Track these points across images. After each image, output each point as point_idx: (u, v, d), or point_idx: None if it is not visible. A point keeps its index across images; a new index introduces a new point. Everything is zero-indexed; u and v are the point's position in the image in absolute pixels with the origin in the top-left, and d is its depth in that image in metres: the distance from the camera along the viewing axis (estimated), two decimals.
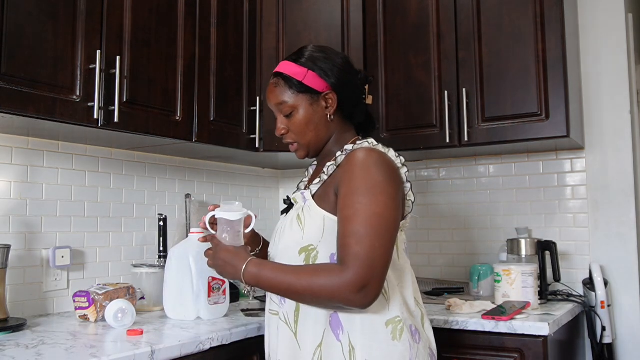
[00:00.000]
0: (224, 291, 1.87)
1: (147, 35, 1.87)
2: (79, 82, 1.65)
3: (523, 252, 2.20)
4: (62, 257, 1.94)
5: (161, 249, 2.20)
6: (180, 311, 1.81)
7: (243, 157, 2.52)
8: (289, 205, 1.46)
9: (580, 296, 2.22)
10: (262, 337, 1.51)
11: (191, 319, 1.79)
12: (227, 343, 1.61)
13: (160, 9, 1.93)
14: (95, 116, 1.67)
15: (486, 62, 2.23)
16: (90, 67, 1.67)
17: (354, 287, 1.19)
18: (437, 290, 2.35)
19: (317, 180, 1.41)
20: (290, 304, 1.35)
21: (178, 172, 2.46)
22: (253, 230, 1.53)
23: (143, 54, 1.86)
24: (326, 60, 1.42)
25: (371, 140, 1.41)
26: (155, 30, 1.91)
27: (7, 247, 1.68)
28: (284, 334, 1.36)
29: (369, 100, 1.51)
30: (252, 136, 2.28)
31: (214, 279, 1.82)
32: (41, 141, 1.95)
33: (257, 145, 2.29)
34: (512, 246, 2.24)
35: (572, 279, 2.35)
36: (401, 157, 1.39)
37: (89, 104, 1.67)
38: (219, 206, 1.44)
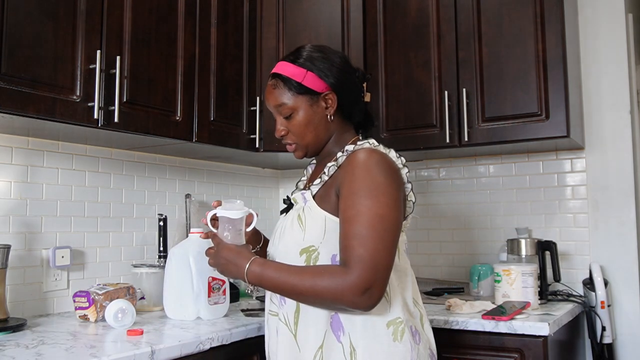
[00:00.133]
0: (224, 291, 1.87)
1: (147, 35, 1.87)
2: (79, 82, 1.65)
3: (523, 252, 2.20)
4: (62, 257, 1.94)
5: (161, 249, 2.20)
6: (180, 311, 1.81)
7: (243, 157, 2.52)
8: (289, 205, 1.46)
9: (580, 296, 2.22)
10: (262, 337, 1.51)
11: (191, 319, 1.79)
12: (227, 343, 1.61)
13: (160, 9, 1.93)
14: (95, 116, 1.67)
15: (486, 62, 2.23)
16: (90, 67, 1.67)
17: (357, 289, 1.19)
18: (437, 290, 2.35)
19: (318, 180, 1.40)
20: (290, 305, 1.34)
21: (178, 172, 2.46)
22: (254, 228, 1.53)
23: (143, 54, 1.86)
24: (324, 60, 1.41)
25: (372, 140, 1.40)
26: (155, 30, 1.90)
27: (7, 247, 1.68)
28: (284, 336, 1.35)
29: (368, 98, 1.51)
30: (252, 136, 2.28)
31: (214, 279, 1.82)
32: (41, 141, 1.95)
33: (257, 145, 2.29)
34: (512, 246, 2.24)
35: (572, 279, 2.35)
36: (402, 158, 1.39)
37: (89, 104, 1.67)
38: (222, 202, 1.44)
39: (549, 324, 1.72)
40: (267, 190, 2.99)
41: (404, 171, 1.37)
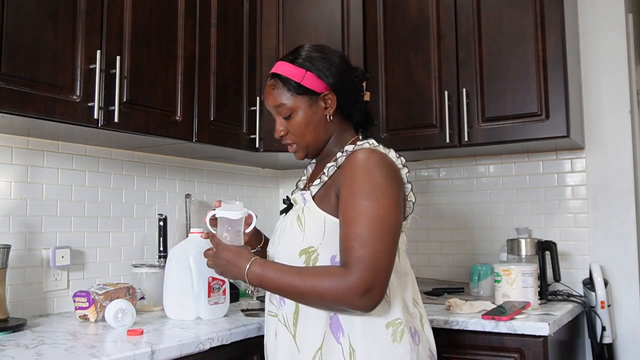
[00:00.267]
0: (224, 291, 1.87)
1: (147, 35, 1.87)
2: (79, 82, 1.65)
3: (523, 252, 2.20)
4: (62, 257, 1.94)
5: (161, 249, 2.20)
6: (180, 311, 1.81)
7: (243, 157, 2.52)
8: (289, 205, 1.46)
9: (580, 296, 2.22)
10: (262, 337, 1.51)
11: (191, 319, 1.79)
12: (227, 343, 1.61)
13: (160, 9, 1.93)
14: (95, 116, 1.67)
15: (486, 62, 2.23)
16: (90, 67, 1.67)
17: (358, 290, 1.19)
18: (437, 290, 2.35)
19: (318, 181, 1.40)
20: (289, 306, 1.34)
21: (178, 172, 2.46)
22: (255, 228, 1.53)
23: (143, 54, 1.86)
24: (324, 60, 1.40)
25: (372, 140, 1.39)
26: (155, 30, 1.90)
27: (7, 247, 1.68)
28: (283, 337, 1.35)
29: (367, 97, 1.50)
30: (252, 136, 2.28)
31: (214, 279, 1.82)
32: (41, 141, 1.95)
33: (257, 145, 2.29)
34: (512, 246, 2.24)
35: (572, 279, 2.35)
36: (402, 158, 1.38)
37: (89, 104, 1.67)
38: (221, 203, 1.44)
39: (549, 324, 1.72)
40: (267, 190, 2.99)
41: (404, 171, 1.36)
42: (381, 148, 1.36)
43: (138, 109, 1.83)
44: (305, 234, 1.34)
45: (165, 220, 2.24)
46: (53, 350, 1.38)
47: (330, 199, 1.34)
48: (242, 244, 1.41)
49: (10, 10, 1.49)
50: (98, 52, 1.69)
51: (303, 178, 1.58)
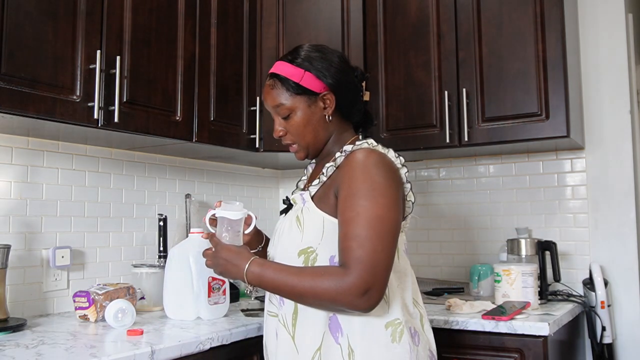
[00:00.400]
0: (224, 291, 1.87)
1: (147, 35, 1.87)
2: (79, 82, 1.65)
3: (523, 252, 2.20)
4: (62, 257, 1.94)
5: (161, 249, 2.20)
6: (180, 311, 1.81)
7: (243, 157, 2.52)
8: (288, 205, 1.46)
9: (580, 296, 2.22)
10: (262, 337, 1.51)
11: (191, 319, 1.79)
12: (227, 343, 1.61)
13: (160, 9, 1.93)
14: (95, 116, 1.67)
15: (486, 62, 2.23)
16: (90, 67, 1.67)
17: (357, 290, 1.18)
18: (437, 290, 2.35)
19: (317, 181, 1.40)
20: (288, 307, 1.34)
21: (178, 172, 2.46)
22: (255, 228, 1.53)
23: (143, 54, 1.86)
24: (322, 60, 1.40)
25: (371, 140, 1.39)
26: (155, 30, 1.90)
27: (7, 247, 1.68)
28: (282, 337, 1.35)
29: (367, 97, 1.50)
30: (252, 136, 2.28)
31: (214, 279, 1.82)
32: (41, 141, 1.95)
33: (257, 145, 2.29)
34: (512, 246, 2.24)
35: (572, 279, 2.35)
36: (401, 158, 1.38)
37: (89, 104, 1.67)
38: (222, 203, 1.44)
39: (549, 324, 1.72)
40: (267, 190, 2.99)
41: (403, 171, 1.36)
42: (380, 148, 1.36)
43: (138, 109, 1.83)
44: (304, 235, 1.33)
45: (165, 220, 2.24)
46: (53, 350, 1.38)
47: (329, 199, 1.33)
48: (242, 244, 1.41)
49: (10, 10, 1.49)
50: (98, 52, 1.69)
51: (303, 178, 1.58)
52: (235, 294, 2.21)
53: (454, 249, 2.64)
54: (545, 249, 2.16)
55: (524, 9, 2.17)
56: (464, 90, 2.24)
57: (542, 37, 2.13)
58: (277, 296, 1.36)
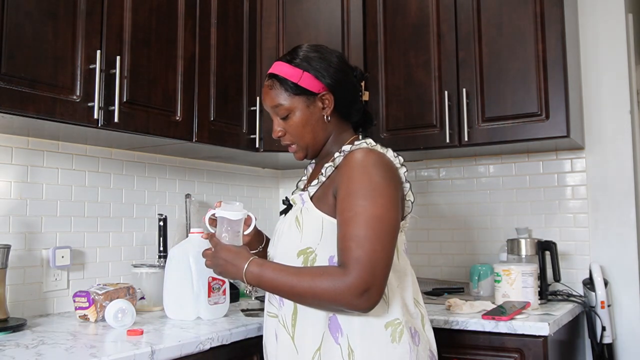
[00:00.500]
0: (224, 291, 1.87)
1: (147, 35, 1.87)
2: (79, 82, 1.65)
3: (523, 252, 2.20)
4: (62, 257, 1.94)
5: (161, 249, 2.20)
6: (180, 311, 1.81)
7: (243, 157, 2.52)
8: (288, 206, 1.45)
9: (580, 296, 2.22)
10: (262, 337, 1.51)
11: (191, 319, 1.79)
12: (227, 343, 1.61)
13: (160, 9, 1.93)
14: (95, 116, 1.67)
15: (486, 62, 2.23)
16: (90, 67, 1.67)
17: (356, 290, 1.18)
18: (437, 290, 2.35)
19: (315, 181, 1.40)
20: (288, 307, 1.34)
21: (178, 172, 2.46)
22: (256, 228, 1.53)
23: (143, 54, 1.86)
24: (321, 60, 1.40)
25: (369, 140, 1.39)
26: (155, 30, 1.90)
27: (7, 247, 1.68)
28: (281, 338, 1.35)
29: (366, 96, 1.50)
30: (252, 136, 2.28)
31: (214, 279, 1.82)
32: (41, 141, 1.95)
33: (257, 145, 2.29)
34: (512, 246, 2.24)
35: (572, 279, 2.35)
36: (399, 157, 1.38)
37: (89, 104, 1.67)
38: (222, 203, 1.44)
39: (549, 324, 1.72)
40: (267, 190, 2.99)
41: (402, 170, 1.36)
42: (379, 147, 1.35)
43: (138, 109, 1.83)
44: (303, 235, 1.34)
45: (165, 220, 2.24)
46: (53, 350, 1.38)
47: (327, 200, 1.33)
48: (241, 244, 1.41)
49: (10, 10, 1.49)
50: (98, 52, 1.69)
51: (303, 178, 1.58)
52: (235, 294, 2.21)
53: (454, 249, 2.64)
54: (545, 249, 2.16)
55: (524, 9, 2.17)
56: (464, 90, 2.24)
57: (542, 37, 2.13)
58: (277, 297, 1.36)
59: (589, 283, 2.24)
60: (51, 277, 1.94)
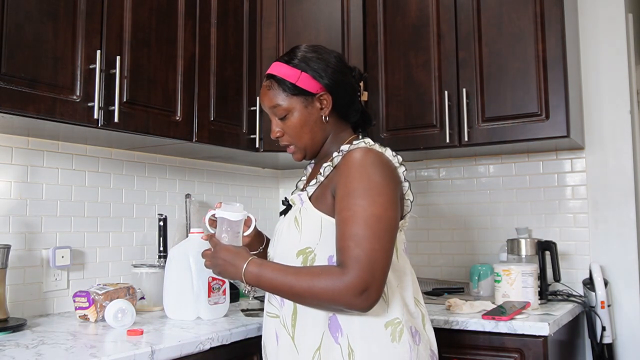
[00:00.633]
0: (224, 291, 1.87)
1: (147, 35, 1.87)
2: (79, 82, 1.65)
3: (523, 252, 2.20)
4: (62, 257, 1.94)
5: (161, 249, 2.20)
6: (180, 311, 1.81)
7: (243, 157, 2.52)
8: (287, 206, 1.45)
9: (580, 296, 2.22)
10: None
11: (191, 319, 1.79)
12: (227, 343, 1.61)
13: (160, 9, 1.93)
14: (95, 116, 1.67)
15: (486, 62, 2.23)
16: (90, 67, 1.67)
17: (355, 290, 1.18)
18: (437, 290, 2.35)
19: (314, 181, 1.40)
20: (288, 307, 1.34)
21: (178, 172, 2.46)
22: (256, 229, 1.53)
23: (143, 54, 1.86)
24: (319, 61, 1.40)
25: (368, 140, 1.40)
26: (155, 30, 1.91)
27: (7, 247, 1.68)
28: (281, 338, 1.35)
29: (365, 97, 1.50)
30: (252, 136, 2.28)
31: (214, 279, 1.82)
32: (41, 141, 1.95)
33: (257, 145, 2.29)
34: (512, 246, 2.24)
35: (572, 279, 2.35)
36: (398, 157, 1.38)
37: (89, 104, 1.67)
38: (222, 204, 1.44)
39: (549, 324, 1.72)
40: (267, 190, 2.99)
41: (401, 169, 1.36)
42: (377, 147, 1.35)
43: (138, 109, 1.83)
44: (302, 235, 1.34)
45: (165, 220, 2.24)
46: (53, 350, 1.38)
47: (326, 199, 1.34)
48: (241, 245, 1.41)
49: (10, 10, 1.49)
50: (98, 52, 1.69)
51: (303, 178, 1.58)
52: (235, 294, 2.21)
53: (454, 249, 2.64)
54: (545, 249, 2.16)
55: (524, 9, 2.17)
56: (464, 90, 2.24)
57: (542, 37, 2.13)
58: (278, 297, 1.36)
59: (589, 283, 2.24)
60: (51, 277, 1.94)
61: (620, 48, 2.37)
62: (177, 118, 1.97)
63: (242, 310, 1.98)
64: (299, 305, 1.32)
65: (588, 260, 2.34)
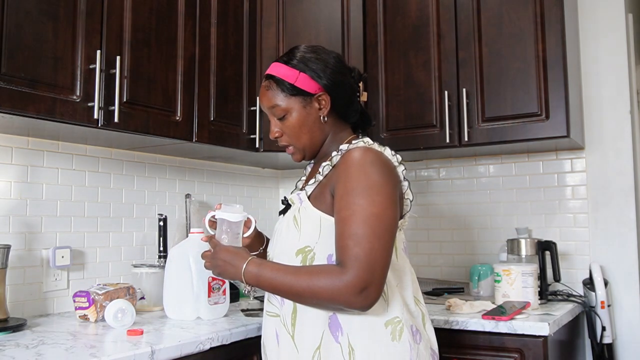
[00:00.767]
0: (224, 291, 1.87)
1: (147, 35, 1.87)
2: (79, 82, 1.65)
3: (523, 252, 2.20)
4: (62, 257, 1.94)
5: (161, 249, 2.20)
6: (180, 311, 1.81)
7: (243, 157, 2.52)
8: (287, 206, 1.46)
9: (580, 296, 2.22)
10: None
11: (191, 319, 1.79)
12: (227, 343, 1.61)
13: (160, 9, 1.93)
14: (95, 116, 1.68)
15: (486, 62, 2.23)
16: (90, 67, 1.67)
17: (354, 289, 1.18)
18: (437, 290, 2.35)
19: (313, 180, 1.40)
20: (288, 306, 1.34)
21: (178, 172, 2.46)
22: (256, 230, 1.53)
23: (143, 54, 1.86)
24: (318, 61, 1.40)
25: (366, 139, 1.40)
26: (155, 30, 1.91)
27: (7, 247, 1.68)
28: (282, 337, 1.35)
29: (364, 97, 1.50)
30: (252, 136, 2.28)
31: (214, 279, 1.82)
32: (41, 141, 1.95)
33: (257, 145, 2.29)
34: (512, 246, 2.24)
35: (572, 279, 2.35)
36: (397, 156, 1.38)
37: (89, 104, 1.67)
38: (222, 205, 1.44)
39: (549, 324, 1.72)
40: (267, 190, 2.99)
41: (400, 169, 1.36)
42: (376, 146, 1.35)
43: (138, 109, 1.83)
44: (302, 234, 1.34)
45: (165, 220, 2.24)
46: (53, 350, 1.38)
47: (325, 198, 1.34)
48: (240, 246, 1.41)
49: (10, 10, 1.49)
50: (98, 52, 1.69)
51: (302, 178, 1.58)
52: (235, 294, 2.21)
53: (454, 249, 2.64)
54: (545, 249, 2.16)
55: (524, 9, 2.17)
56: (464, 90, 2.24)
57: (542, 37, 2.13)
58: (278, 296, 1.36)
59: (589, 283, 2.24)
60: (51, 277, 1.94)
61: (620, 48, 2.37)
62: (177, 118, 1.97)
63: (242, 310, 1.98)
64: (299, 304, 1.32)
65: (588, 260, 2.34)
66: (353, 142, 1.39)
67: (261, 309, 1.90)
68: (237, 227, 1.42)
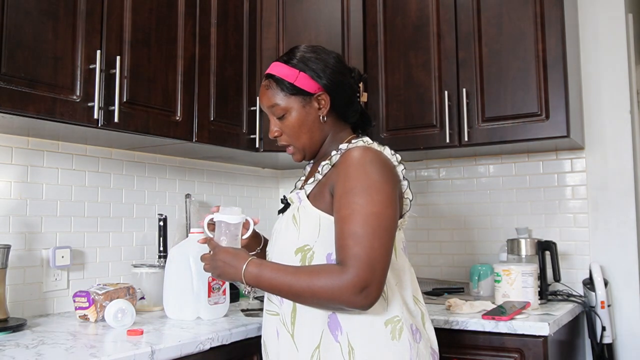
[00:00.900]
0: (224, 291, 1.87)
1: (147, 35, 1.87)
2: (79, 82, 1.65)
3: (523, 252, 2.20)
4: (62, 257, 1.94)
5: (161, 249, 2.20)
6: (180, 311, 1.81)
7: (243, 157, 2.52)
8: (286, 205, 1.46)
9: (580, 296, 2.22)
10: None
11: (191, 319, 1.79)
12: (227, 343, 1.61)
13: (160, 9, 1.93)
14: (95, 116, 1.68)
15: (486, 62, 2.23)
16: (90, 67, 1.67)
17: (354, 288, 1.18)
18: (437, 290, 2.35)
19: (312, 179, 1.40)
20: (287, 305, 1.34)
21: (178, 172, 2.46)
22: (254, 230, 1.53)
23: (143, 54, 1.86)
24: (318, 61, 1.41)
25: (366, 139, 1.40)
26: (155, 30, 1.91)
27: (7, 247, 1.68)
28: (281, 336, 1.36)
29: (364, 97, 1.51)
30: (252, 136, 2.28)
31: (214, 279, 1.82)
32: (41, 141, 1.95)
33: (257, 145, 2.29)
34: (512, 246, 2.24)
35: (572, 279, 2.35)
36: (397, 155, 1.38)
37: (89, 104, 1.67)
38: (220, 207, 1.44)
39: (549, 324, 1.72)
40: (267, 190, 2.99)
41: (400, 168, 1.36)
42: (375, 145, 1.36)
43: (138, 109, 1.83)
44: (301, 233, 1.34)
45: (165, 220, 2.24)
46: (53, 350, 1.38)
47: (324, 197, 1.34)
48: (239, 248, 1.41)
49: (10, 10, 1.49)
50: (98, 52, 1.69)
51: (302, 178, 1.58)
52: (235, 294, 2.21)
53: (454, 249, 2.64)
54: (545, 249, 2.16)
55: (524, 9, 2.17)
56: (464, 90, 2.24)
57: (542, 37, 2.13)
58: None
59: (589, 283, 2.24)
60: (51, 277, 1.94)
61: (620, 48, 2.37)
62: (177, 118, 1.97)
63: (242, 310, 1.98)
64: (298, 304, 1.32)
65: (588, 260, 2.34)
66: (352, 141, 1.39)
67: (261, 309, 1.90)
68: (236, 228, 1.42)
